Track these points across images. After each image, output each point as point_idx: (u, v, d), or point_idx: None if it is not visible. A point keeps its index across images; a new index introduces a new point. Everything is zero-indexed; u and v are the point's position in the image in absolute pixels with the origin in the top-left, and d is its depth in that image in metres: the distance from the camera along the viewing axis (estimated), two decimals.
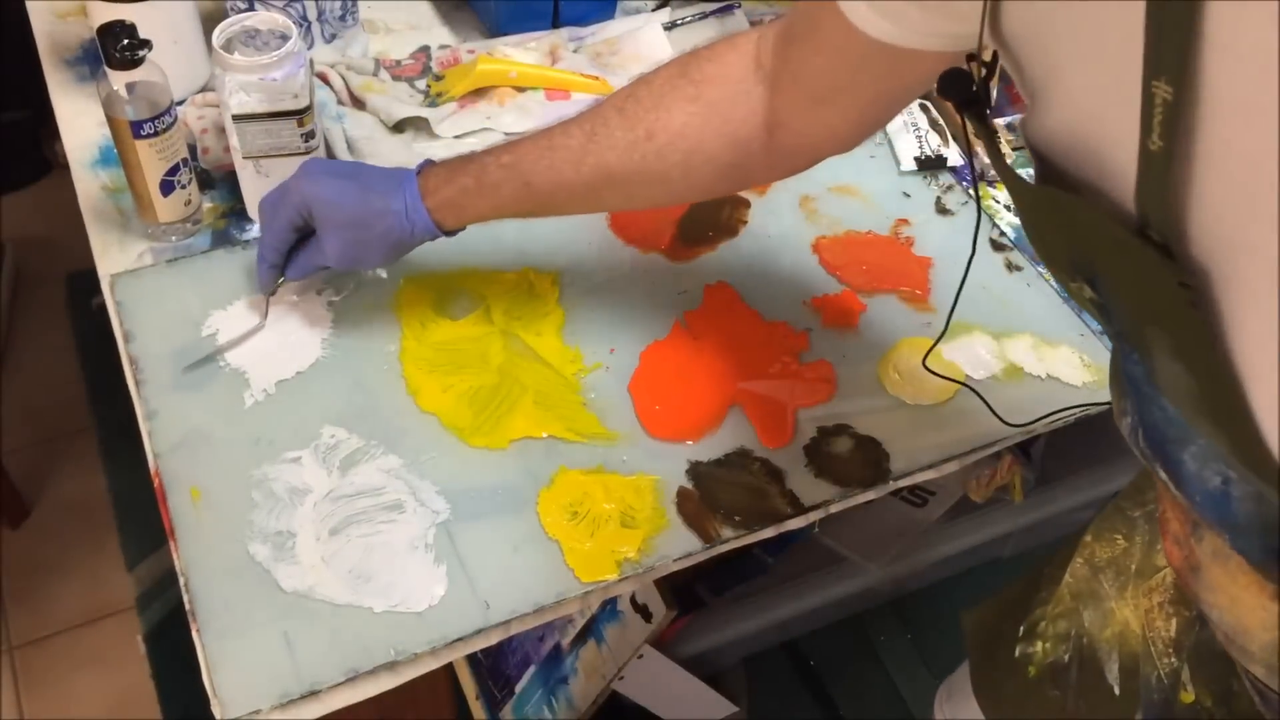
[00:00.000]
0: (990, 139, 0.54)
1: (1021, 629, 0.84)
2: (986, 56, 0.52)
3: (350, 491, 0.80)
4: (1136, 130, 0.40)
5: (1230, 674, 0.69)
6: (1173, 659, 0.74)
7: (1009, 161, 1.05)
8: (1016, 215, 0.59)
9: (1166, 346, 0.45)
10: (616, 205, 0.89)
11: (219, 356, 0.86)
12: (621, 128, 0.75)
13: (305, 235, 0.85)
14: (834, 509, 0.83)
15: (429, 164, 0.82)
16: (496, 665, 1.35)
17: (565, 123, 0.77)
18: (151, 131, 0.88)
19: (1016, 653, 0.83)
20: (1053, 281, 0.97)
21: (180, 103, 0.96)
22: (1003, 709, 0.89)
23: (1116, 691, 0.76)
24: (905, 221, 1.02)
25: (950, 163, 1.06)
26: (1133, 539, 0.79)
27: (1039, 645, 0.82)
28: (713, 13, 1.18)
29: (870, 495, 0.83)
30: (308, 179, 0.81)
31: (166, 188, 0.91)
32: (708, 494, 0.82)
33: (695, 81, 0.73)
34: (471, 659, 1.37)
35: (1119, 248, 0.43)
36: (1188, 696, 0.72)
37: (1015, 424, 0.86)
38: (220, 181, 0.99)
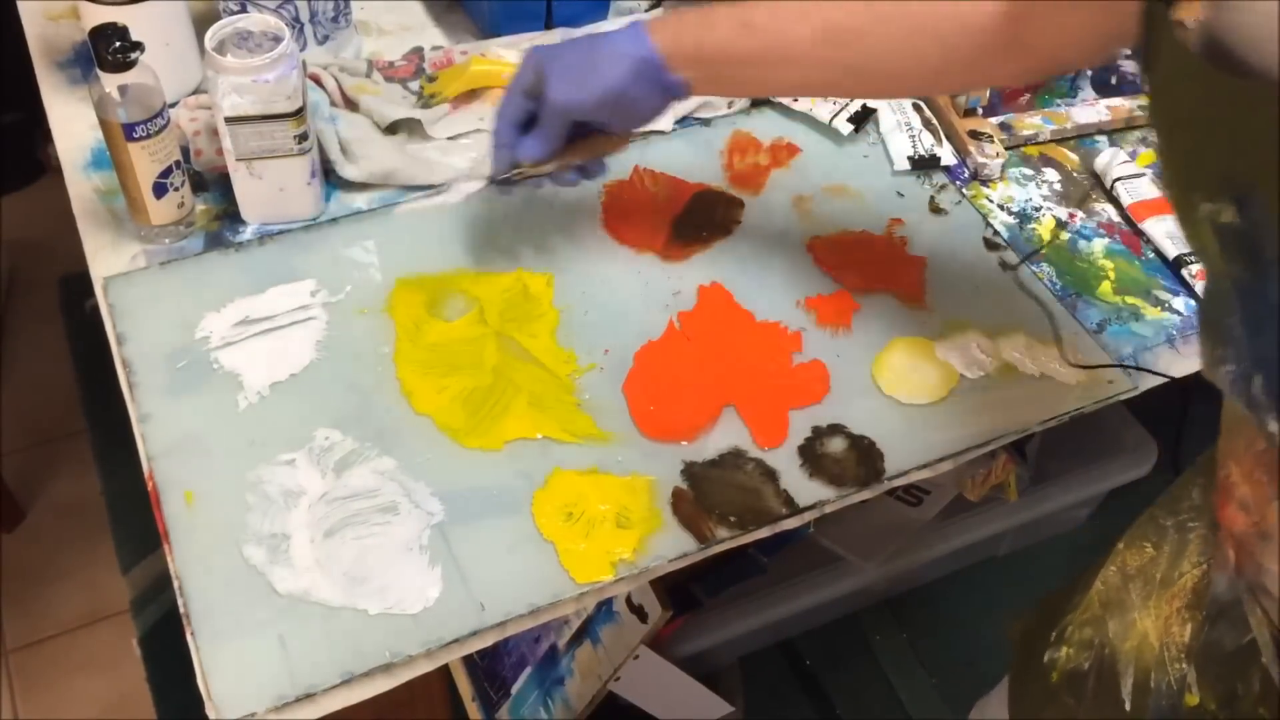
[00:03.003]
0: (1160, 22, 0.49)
1: (1053, 634, 0.83)
2: None
3: (345, 494, 0.80)
4: None
5: (1236, 676, 0.69)
6: (1182, 664, 0.73)
7: (1001, 163, 1.05)
8: (1155, 125, 0.53)
9: None
10: (838, 78, 0.81)
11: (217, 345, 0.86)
12: None
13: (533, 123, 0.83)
14: (829, 509, 0.83)
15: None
16: (492, 667, 1.35)
17: None
18: (144, 134, 0.88)
19: (1045, 657, 0.82)
20: (1046, 280, 0.98)
21: (173, 105, 0.96)
22: (1023, 711, 0.88)
23: (1127, 707, 0.75)
24: (899, 221, 1.02)
25: (944, 162, 1.06)
26: (1161, 548, 0.78)
27: (1064, 651, 0.81)
28: None
29: (865, 495, 0.84)
30: (538, 47, 0.83)
31: (159, 190, 0.91)
32: (702, 494, 0.82)
33: None
34: (467, 660, 1.37)
35: None
36: (1192, 699, 0.72)
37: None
38: (213, 184, 0.99)
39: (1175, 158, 0.51)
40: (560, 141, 0.83)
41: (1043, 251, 1.00)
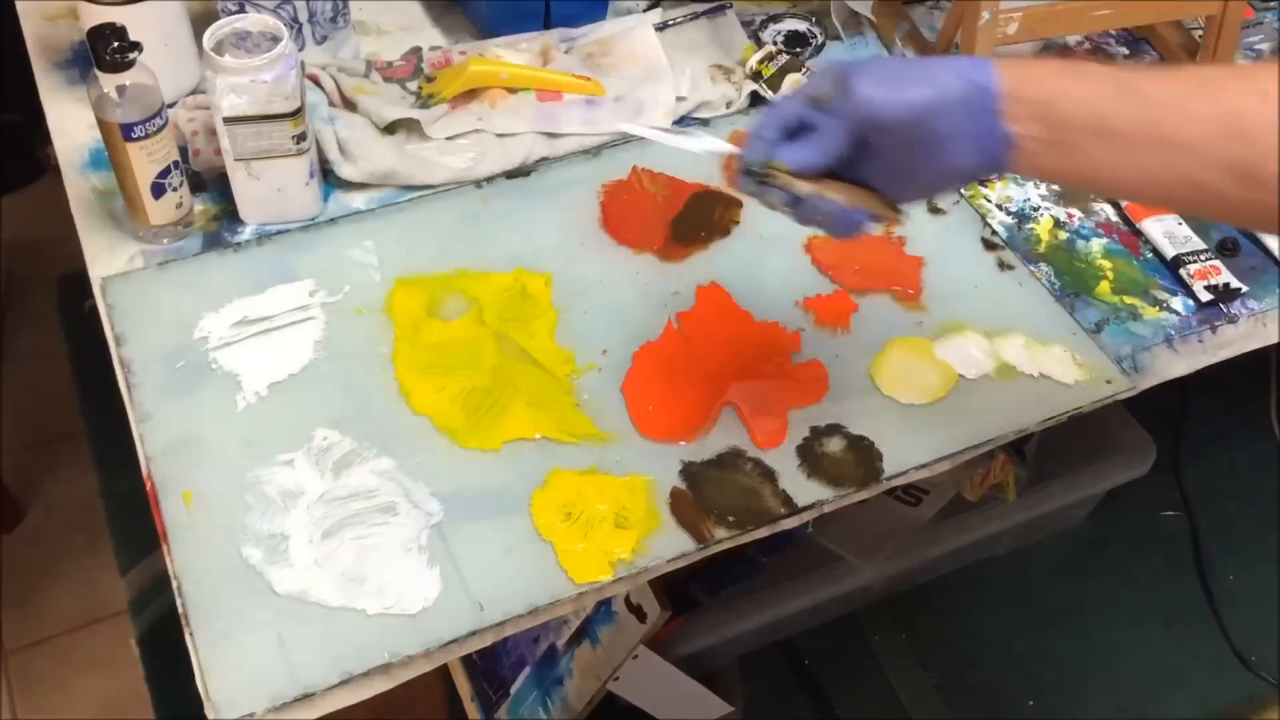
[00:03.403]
0: None
1: None
2: None
3: (343, 494, 0.80)
4: None
5: None
6: None
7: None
8: None
9: None
10: (1216, 181, 0.61)
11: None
12: (1253, 95, 0.58)
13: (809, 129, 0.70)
14: (827, 509, 0.83)
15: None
16: (491, 667, 1.35)
17: (1187, 66, 0.64)
18: (142, 134, 0.88)
19: None
20: (1045, 280, 0.98)
21: (171, 105, 0.96)
22: None
23: None
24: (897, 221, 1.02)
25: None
26: None
27: None
28: (704, 13, 1.18)
29: (863, 495, 0.84)
30: (847, 62, 0.69)
31: (157, 190, 0.91)
32: (701, 494, 0.82)
33: None
34: (466, 660, 1.37)
35: None
36: None
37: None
38: (212, 184, 0.99)
39: None
40: (831, 156, 0.69)
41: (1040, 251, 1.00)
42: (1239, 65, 0.59)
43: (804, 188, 0.71)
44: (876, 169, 0.70)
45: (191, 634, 0.73)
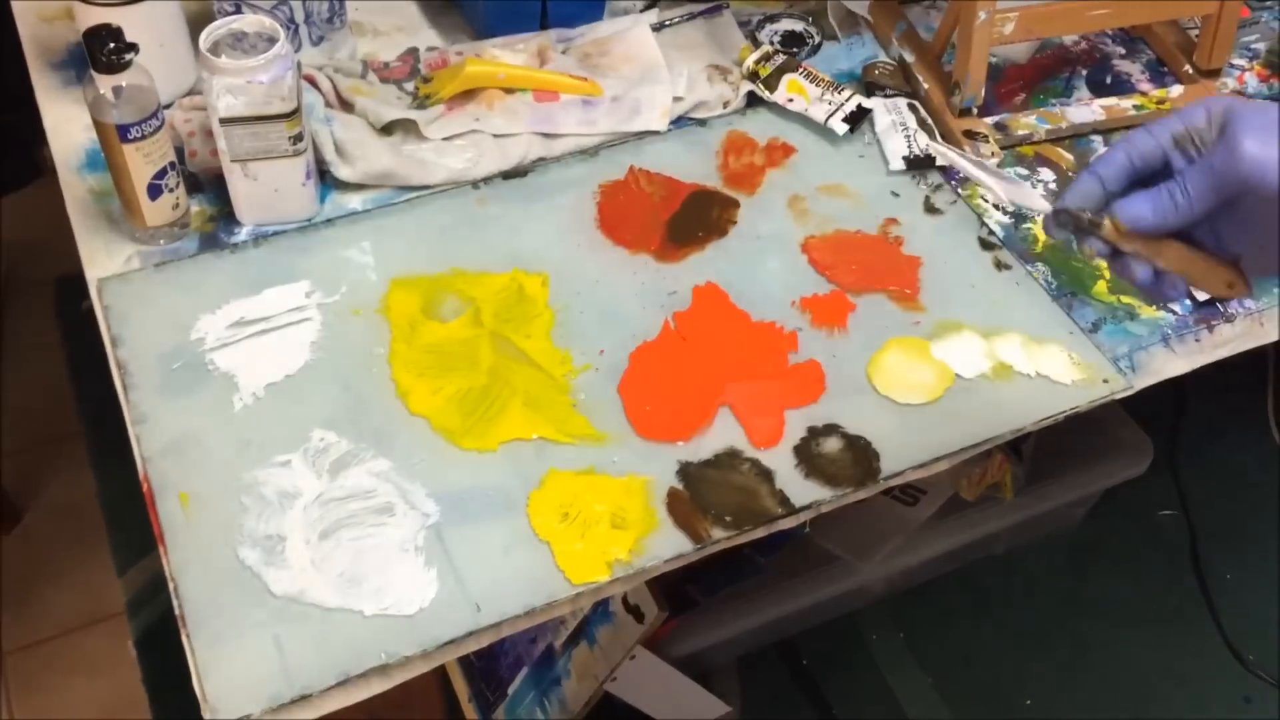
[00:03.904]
0: None
1: None
2: None
3: (340, 495, 0.80)
4: None
5: None
6: None
7: (996, 163, 1.05)
8: None
9: None
10: None
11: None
12: None
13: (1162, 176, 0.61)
14: (825, 509, 0.83)
15: None
16: (489, 667, 1.35)
17: None
18: (138, 135, 0.87)
19: None
20: (1041, 280, 0.98)
21: (167, 106, 0.95)
22: None
23: None
24: (894, 221, 1.02)
25: (939, 162, 1.06)
26: None
27: None
28: (700, 13, 1.18)
29: (861, 495, 0.84)
30: (1229, 98, 0.59)
31: (154, 191, 0.91)
32: (698, 494, 0.82)
33: None
34: (464, 661, 1.37)
35: None
36: None
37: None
38: (208, 185, 0.99)
39: None
40: (1186, 220, 0.60)
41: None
42: None
43: (1134, 247, 0.61)
44: (1241, 233, 0.60)
45: (188, 635, 0.73)
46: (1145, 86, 1.16)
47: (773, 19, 1.20)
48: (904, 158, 1.05)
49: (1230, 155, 0.57)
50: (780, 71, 1.10)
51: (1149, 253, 0.61)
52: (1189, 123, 0.59)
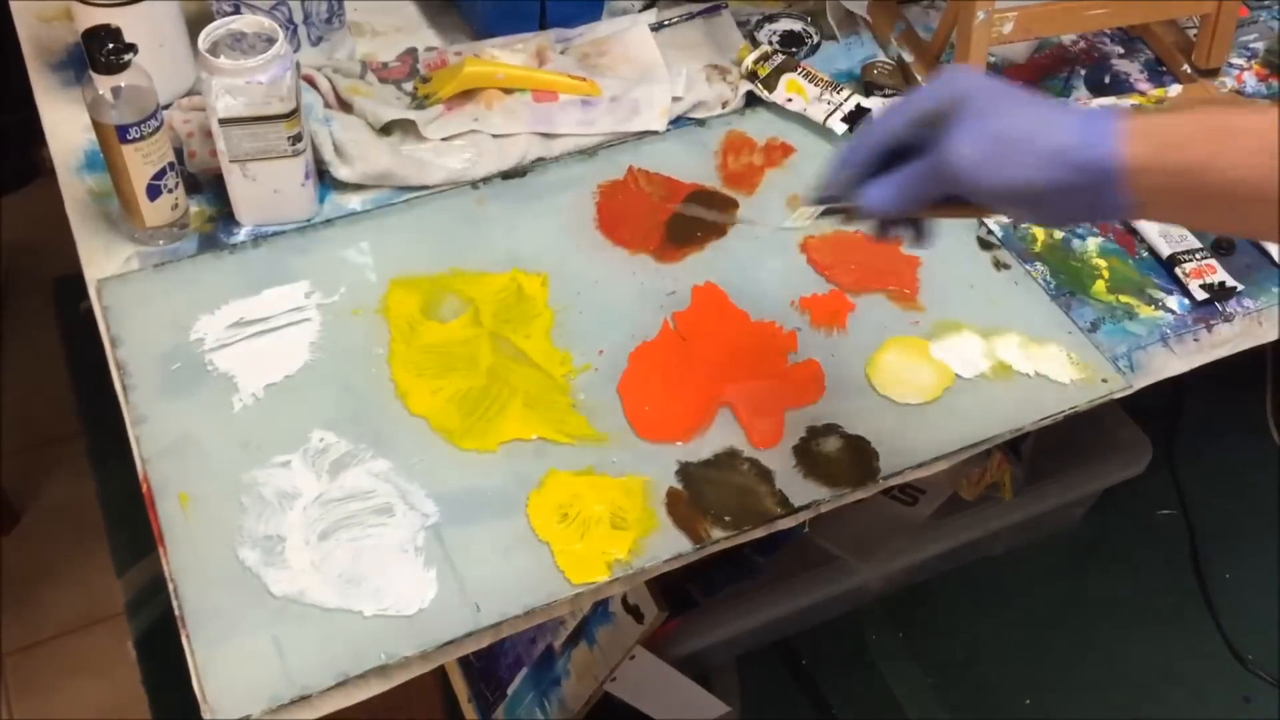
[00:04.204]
0: None
1: None
2: None
3: (339, 495, 0.80)
4: None
5: None
6: None
7: None
8: None
9: None
10: None
11: (208, 361, 0.86)
12: None
13: (910, 155, 0.63)
14: (824, 509, 0.83)
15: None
16: (489, 667, 1.35)
17: None
18: (137, 135, 0.87)
19: None
20: (1040, 279, 0.98)
21: (166, 106, 0.95)
22: None
23: None
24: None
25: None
26: None
27: None
28: (699, 13, 1.18)
29: (860, 495, 0.84)
30: (960, 72, 0.62)
31: (153, 192, 0.91)
32: (697, 495, 0.82)
33: None
34: (464, 661, 1.37)
35: None
36: None
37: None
38: (207, 185, 0.99)
39: None
40: (920, 204, 0.64)
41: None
42: None
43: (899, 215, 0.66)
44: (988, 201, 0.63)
45: (188, 636, 0.73)
46: (1144, 86, 1.16)
47: (771, 19, 1.20)
48: None
49: (948, 154, 0.60)
50: (779, 71, 1.10)
51: (918, 215, 0.66)
52: (925, 107, 0.61)
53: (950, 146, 0.60)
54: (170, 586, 0.75)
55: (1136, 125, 0.56)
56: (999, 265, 0.99)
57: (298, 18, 1.04)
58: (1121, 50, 1.20)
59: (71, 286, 1.81)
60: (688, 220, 1.00)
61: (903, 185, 0.63)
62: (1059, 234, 1.02)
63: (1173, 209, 0.59)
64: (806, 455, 0.85)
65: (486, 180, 1.02)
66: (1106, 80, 1.17)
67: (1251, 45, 1.20)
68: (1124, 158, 0.56)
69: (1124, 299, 0.98)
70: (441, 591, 0.75)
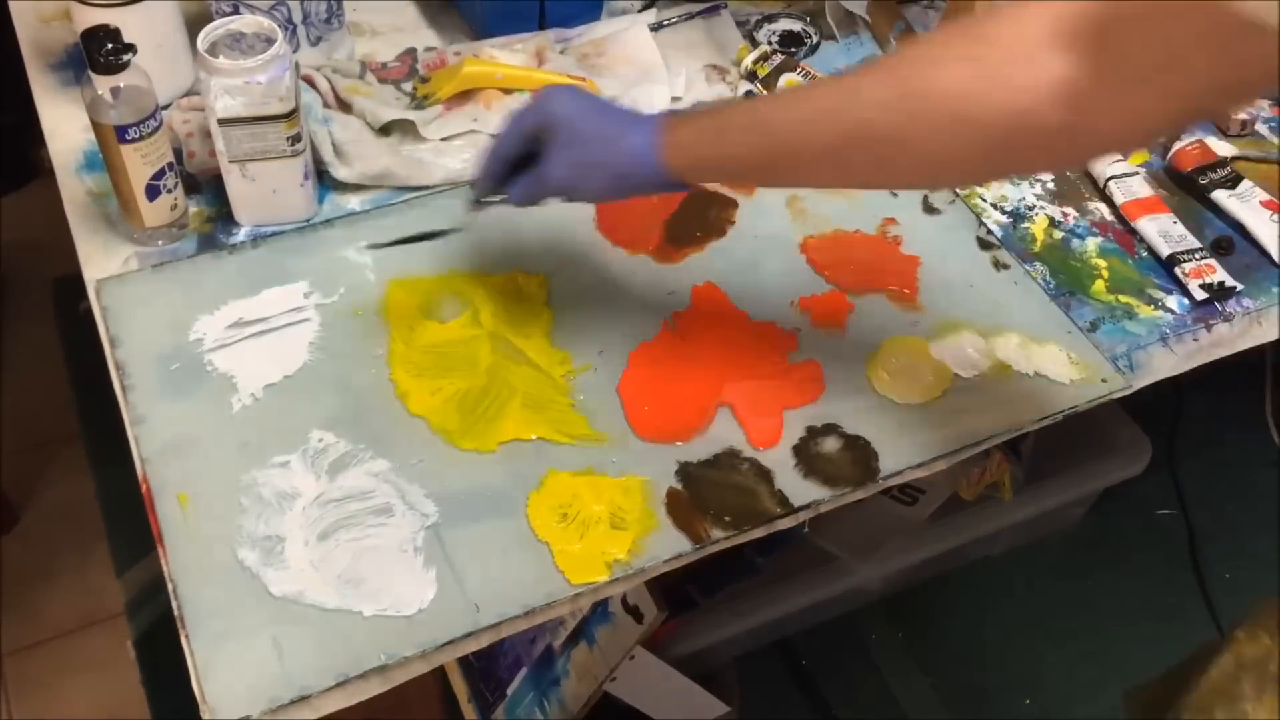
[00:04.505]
0: None
1: (1169, 715, 0.81)
2: None
3: (339, 496, 0.80)
4: None
5: None
6: None
7: None
8: None
9: None
10: (866, 175, 0.76)
11: (205, 357, 0.86)
12: (885, 83, 0.66)
13: (532, 161, 0.81)
14: (823, 509, 0.83)
15: (673, 113, 0.78)
16: (488, 668, 1.35)
17: (822, 78, 0.73)
18: (136, 136, 0.87)
19: None
20: (1040, 279, 0.98)
21: (165, 107, 0.95)
22: None
23: None
24: (892, 220, 1.02)
25: None
26: (1278, 640, 0.77)
27: None
28: (699, 13, 1.18)
29: (859, 495, 0.84)
30: (553, 97, 0.80)
31: (152, 192, 0.91)
32: (697, 495, 0.82)
33: (976, 40, 0.63)
34: (463, 661, 1.37)
35: None
36: None
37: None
38: (206, 185, 0.99)
39: None
40: (542, 199, 0.83)
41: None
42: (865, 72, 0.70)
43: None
44: None
45: (187, 636, 0.73)
46: None
47: (771, 19, 1.20)
48: None
49: (546, 173, 0.79)
50: (778, 71, 1.10)
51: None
52: (526, 128, 0.80)
53: (546, 170, 0.79)
54: (169, 587, 0.75)
55: (669, 139, 0.75)
56: (999, 265, 0.99)
57: (297, 18, 1.04)
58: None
59: (71, 286, 1.81)
60: (687, 220, 1.00)
61: (529, 187, 0.82)
62: (1058, 234, 1.02)
63: (717, 180, 0.91)
64: (806, 455, 0.85)
65: None
66: None
67: None
68: (666, 165, 0.75)
69: (1124, 299, 0.98)
70: (441, 592, 0.75)
